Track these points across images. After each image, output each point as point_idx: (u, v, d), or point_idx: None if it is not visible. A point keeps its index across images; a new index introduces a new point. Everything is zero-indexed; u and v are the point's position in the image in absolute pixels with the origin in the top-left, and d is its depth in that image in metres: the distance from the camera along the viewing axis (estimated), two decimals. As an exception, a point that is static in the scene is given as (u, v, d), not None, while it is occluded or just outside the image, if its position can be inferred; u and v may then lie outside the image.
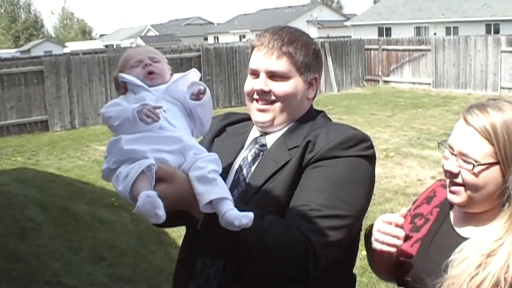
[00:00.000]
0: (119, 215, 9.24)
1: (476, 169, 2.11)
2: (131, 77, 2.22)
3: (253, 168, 2.34)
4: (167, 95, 2.20)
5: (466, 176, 2.14)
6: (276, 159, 2.29)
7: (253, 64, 2.39)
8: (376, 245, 2.20)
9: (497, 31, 38.64)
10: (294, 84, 2.35)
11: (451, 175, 2.19)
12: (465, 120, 2.17)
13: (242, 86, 21.68)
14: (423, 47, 24.46)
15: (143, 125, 2.04)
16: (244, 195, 2.24)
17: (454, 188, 2.20)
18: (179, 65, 20.18)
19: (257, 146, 2.41)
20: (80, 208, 9.68)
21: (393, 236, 2.16)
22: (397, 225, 2.18)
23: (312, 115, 2.46)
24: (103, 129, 17.93)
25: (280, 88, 2.34)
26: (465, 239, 2.20)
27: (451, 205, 2.34)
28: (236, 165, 2.40)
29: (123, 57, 2.33)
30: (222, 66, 22.28)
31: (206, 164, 2.02)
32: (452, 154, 2.18)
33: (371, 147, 2.31)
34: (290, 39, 2.35)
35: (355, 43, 26.78)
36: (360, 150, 2.26)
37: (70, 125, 18.99)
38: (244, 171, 2.35)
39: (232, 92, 22.59)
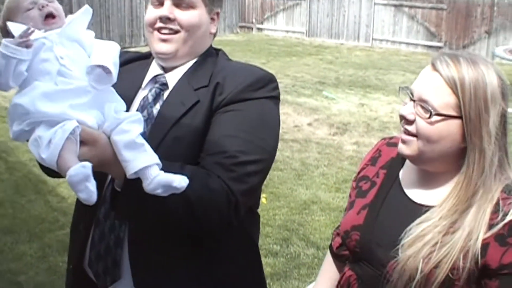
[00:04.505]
0: (-9, 164, 8.82)
1: (433, 118, 1.95)
2: (18, 25, 1.95)
3: (155, 110, 2.25)
4: (64, 38, 1.97)
5: (421, 124, 1.98)
6: (182, 101, 2.21)
7: None
8: None
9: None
10: (200, 15, 2.31)
11: (406, 122, 2.04)
12: (433, 65, 2.01)
13: (113, 29, 21.07)
14: (297, -4, 24.66)
15: (19, 58, 1.82)
16: (151, 140, 2.02)
17: (405, 137, 2.05)
18: (48, 6, 19.36)
19: (157, 85, 2.32)
20: None
21: None
22: None
23: (212, 53, 2.42)
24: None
25: (185, 16, 2.28)
26: (417, 204, 2.08)
27: (400, 166, 2.23)
28: (134, 106, 2.29)
29: (10, 0, 2.06)
30: (94, 9, 20.97)
31: (132, 126, 1.87)
32: (411, 99, 2.03)
33: (277, 87, 2.31)
34: None
35: (230, -10, 26.55)
36: (268, 91, 2.25)
37: None
38: (145, 112, 2.24)
39: (104, 35, 21.78)
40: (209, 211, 2.02)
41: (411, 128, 2.02)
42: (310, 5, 24.20)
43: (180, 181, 1.82)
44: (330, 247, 2.47)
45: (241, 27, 26.46)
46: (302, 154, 9.64)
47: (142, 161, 1.83)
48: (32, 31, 1.87)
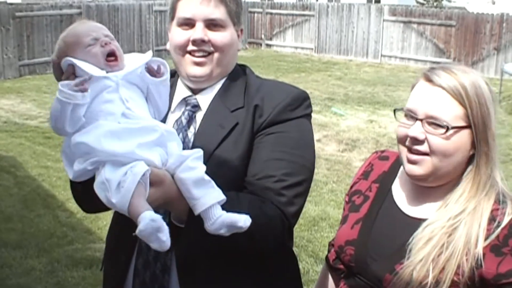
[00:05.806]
0: (1, 178, 8.80)
1: (449, 133, 1.97)
2: (87, 64, 1.93)
3: (189, 133, 2.22)
4: (125, 81, 1.98)
5: (435, 142, 1.98)
6: (221, 123, 2.20)
7: (186, 12, 2.23)
8: None
9: (378, 0, 39.63)
10: (231, 34, 2.28)
11: (415, 142, 2.02)
12: (430, 81, 2.02)
13: (123, 45, 21.00)
14: (306, 12, 24.74)
15: (75, 102, 1.80)
16: None
17: (416, 157, 2.03)
18: (58, 22, 19.36)
19: (188, 107, 2.28)
20: (-43, 172, 9.14)
21: None
22: None
23: (239, 70, 2.39)
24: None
25: (219, 37, 2.24)
26: (411, 218, 2.09)
27: (392, 180, 2.24)
28: None
29: (70, 33, 2.03)
30: (103, 24, 21.45)
31: (197, 163, 1.88)
32: (416, 119, 2.02)
33: (310, 104, 2.33)
34: None
35: (239, 6, 26.52)
36: (304, 109, 2.28)
37: None
38: (180, 136, 2.20)
39: (114, 51, 21.96)
40: (266, 237, 2.07)
41: (422, 147, 2.02)
42: (319, 21, 24.27)
43: (245, 221, 1.84)
44: (327, 258, 2.45)
45: (250, 43, 26.53)
46: (311, 170, 9.57)
47: (211, 197, 1.85)
48: (90, 79, 1.85)
